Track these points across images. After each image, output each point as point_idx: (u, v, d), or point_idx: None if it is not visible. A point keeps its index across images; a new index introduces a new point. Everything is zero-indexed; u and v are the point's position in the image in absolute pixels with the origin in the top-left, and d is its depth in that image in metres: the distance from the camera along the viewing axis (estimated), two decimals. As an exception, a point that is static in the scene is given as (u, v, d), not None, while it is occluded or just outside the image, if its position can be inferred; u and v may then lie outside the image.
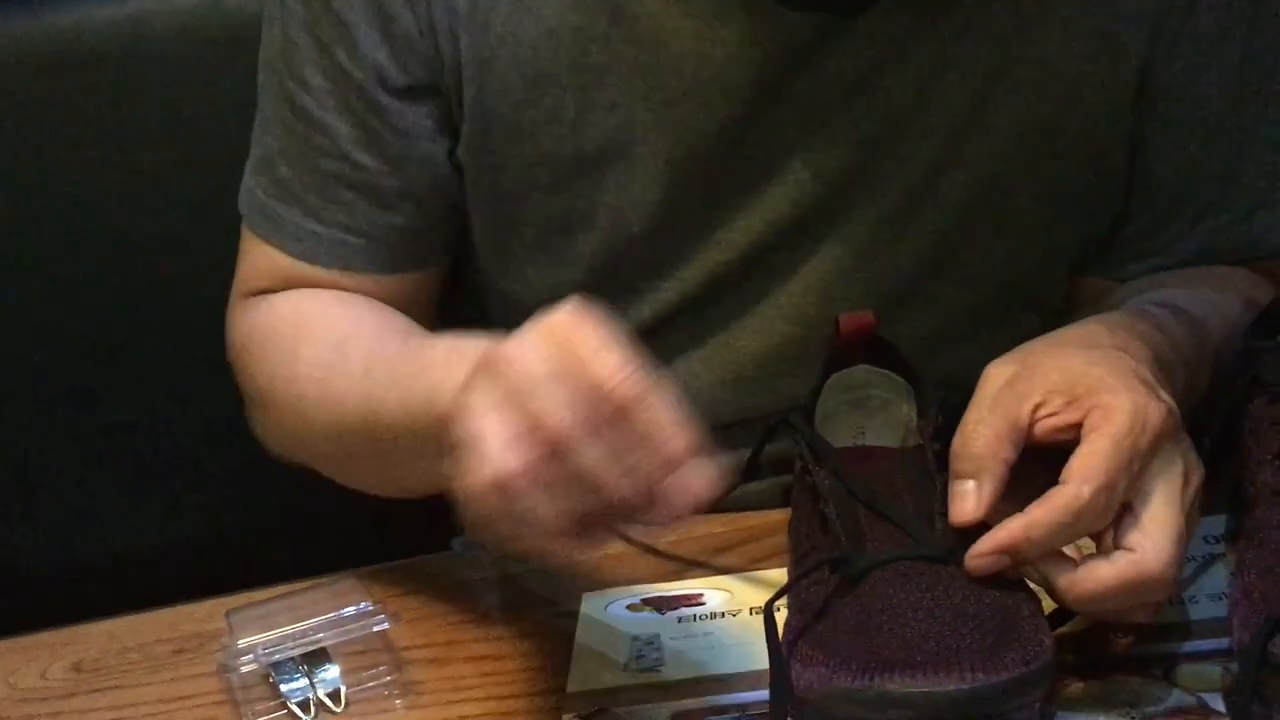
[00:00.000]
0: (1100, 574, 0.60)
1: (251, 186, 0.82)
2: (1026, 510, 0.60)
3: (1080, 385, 0.62)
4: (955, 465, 0.62)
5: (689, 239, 0.78)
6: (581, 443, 0.55)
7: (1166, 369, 0.66)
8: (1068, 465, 0.60)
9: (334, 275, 0.80)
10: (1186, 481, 0.62)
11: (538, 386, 0.55)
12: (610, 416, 0.55)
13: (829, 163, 0.76)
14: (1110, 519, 0.60)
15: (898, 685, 0.55)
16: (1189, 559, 0.67)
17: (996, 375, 0.64)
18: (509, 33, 0.75)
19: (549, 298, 0.60)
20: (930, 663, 0.55)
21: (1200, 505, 0.63)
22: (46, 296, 0.98)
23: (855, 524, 0.62)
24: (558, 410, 0.55)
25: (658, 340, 0.76)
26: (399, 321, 0.79)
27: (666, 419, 0.55)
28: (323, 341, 0.77)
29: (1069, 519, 0.59)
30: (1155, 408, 0.62)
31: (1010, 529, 0.60)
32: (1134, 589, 0.59)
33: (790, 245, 0.78)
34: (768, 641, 0.59)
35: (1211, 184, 0.79)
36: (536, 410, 0.55)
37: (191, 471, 1.00)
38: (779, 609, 0.61)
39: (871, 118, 0.75)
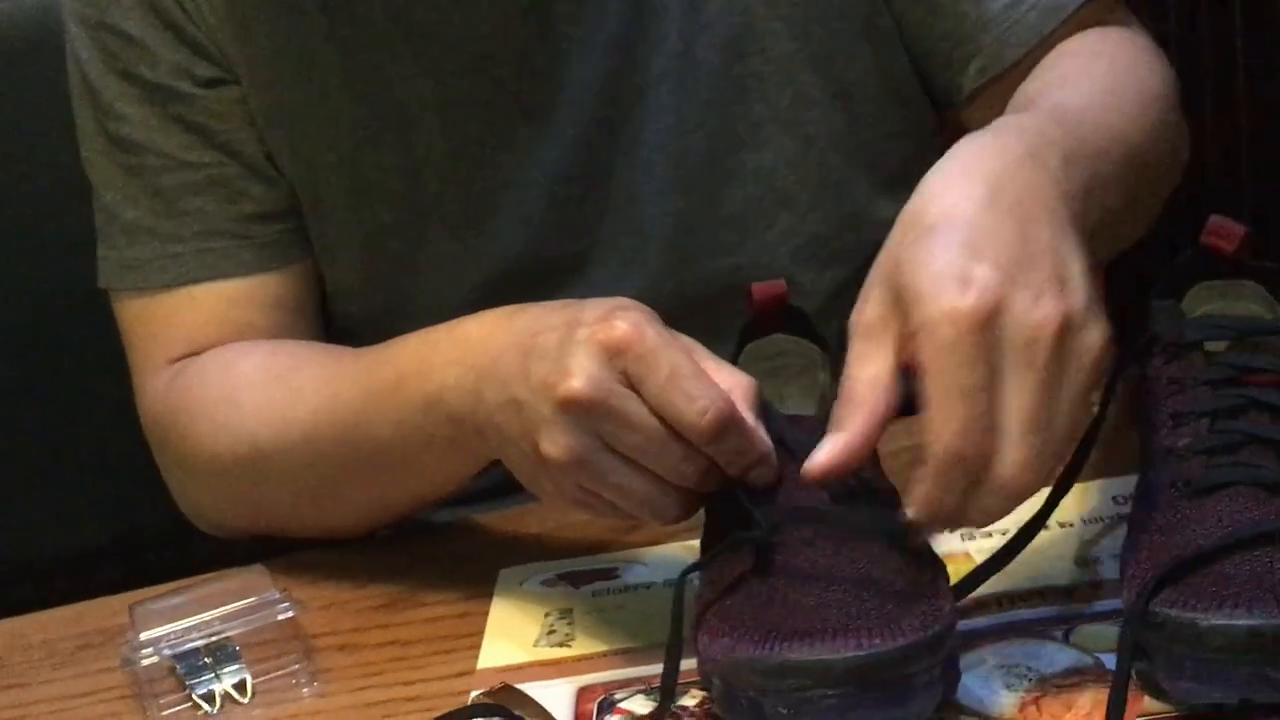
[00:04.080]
0: (912, 481, 0.55)
1: (104, 256, 0.82)
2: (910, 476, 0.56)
3: (906, 297, 0.55)
4: (836, 411, 0.57)
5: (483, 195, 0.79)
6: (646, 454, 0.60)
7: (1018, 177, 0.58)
8: (922, 407, 0.55)
9: (208, 292, 0.80)
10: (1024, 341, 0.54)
11: (615, 407, 0.59)
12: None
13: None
14: (986, 446, 0.54)
15: (796, 654, 0.54)
16: (1096, 520, 0.68)
17: (857, 317, 0.58)
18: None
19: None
20: (828, 631, 0.55)
21: (1100, 374, 0.55)
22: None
23: (768, 500, 0.61)
24: (630, 436, 0.60)
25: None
26: (322, 346, 0.80)
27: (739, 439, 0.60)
28: (263, 384, 0.77)
29: (946, 472, 0.54)
30: (967, 298, 0.54)
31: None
32: (939, 477, 0.54)
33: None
34: (672, 614, 0.59)
35: None
36: (606, 431, 0.60)
37: (96, 473, 0.98)
38: (690, 581, 0.61)
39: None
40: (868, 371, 0.56)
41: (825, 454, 0.56)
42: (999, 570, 0.62)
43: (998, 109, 0.76)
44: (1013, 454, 0.54)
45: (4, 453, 0.98)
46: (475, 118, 0.78)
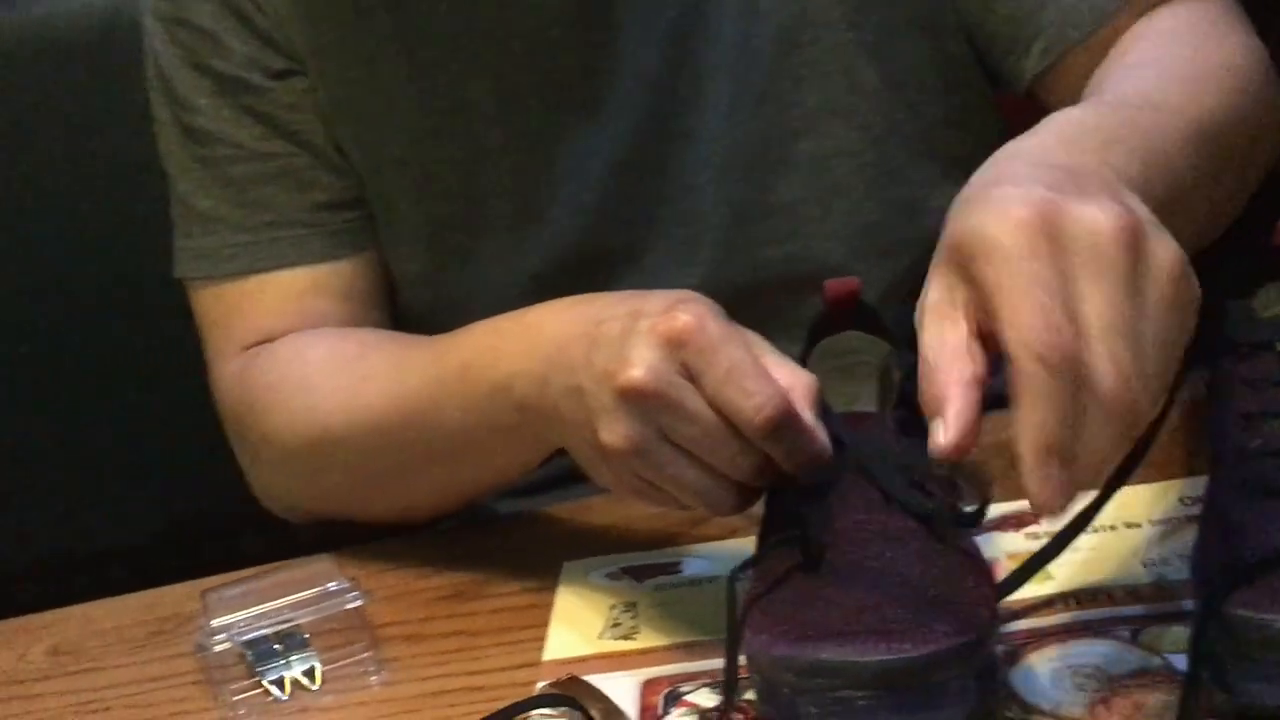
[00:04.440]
0: (1014, 415, 0.50)
1: (179, 247, 0.84)
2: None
3: (966, 250, 0.52)
4: (923, 390, 0.53)
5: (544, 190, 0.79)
6: (705, 445, 0.60)
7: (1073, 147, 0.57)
8: (999, 328, 0.50)
9: (279, 280, 0.81)
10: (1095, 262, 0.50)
11: (674, 398, 0.60)
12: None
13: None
14: (1071, 344, 0.49)
15: (827, 654, 0.55)
16: (1164, 521, 0.67)
17: (923, 302, 0.55)
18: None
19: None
20: (861, 632, 0.55)
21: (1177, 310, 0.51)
22: (12, 292, 0.98)
23: (823, 499, 0.61)
24: (688, 427, 0.60)
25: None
26: (390, 334, 0.81)
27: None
28: (333, 370, 0.78)
29: (1041, 375, 0.49)
30: (1022, 207, 0.51)
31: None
32: (1034, 385, 0.49)
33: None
34: (726, 610, 0.59)
35: None
36: (665, 421, 0.60)
37: (168, 462, 1.00)
38: (743, 579, 0.61)
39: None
40: (946, 342, 0.52)
41: (942, 440, 0.52)
42: (1036, 572, 0.61)
43: (1064, 92, 0.75)
44: (1103, 360, 0.49)
45: (65, 443, 1.00)
46: (533, 110, 0.79)
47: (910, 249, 0.82)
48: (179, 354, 0.87)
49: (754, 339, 0.62)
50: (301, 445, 0.78)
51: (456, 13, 0.78)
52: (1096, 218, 0.51)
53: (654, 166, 0.79)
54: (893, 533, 0.60)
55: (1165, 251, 0.52)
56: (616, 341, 0.61)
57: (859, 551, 0.59)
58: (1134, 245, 0.51)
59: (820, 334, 0.69)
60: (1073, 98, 0.73)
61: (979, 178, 0.57)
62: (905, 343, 0.68)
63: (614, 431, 0.61)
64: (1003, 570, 0.63)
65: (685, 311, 0.60)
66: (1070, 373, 0.49)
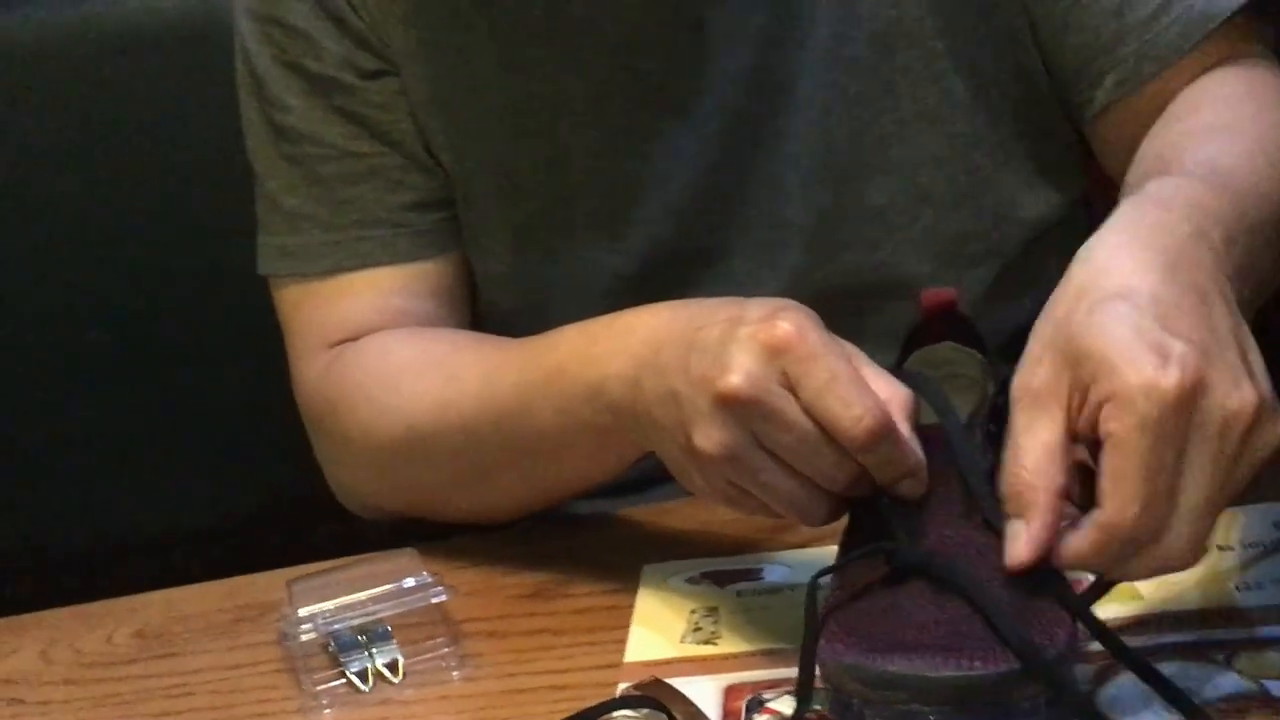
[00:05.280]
0: (1073, 543, 0.55)
1: (264, 243, 0.85)
2: (1069, 534, 0.56)
3: (1089, 366, 0.55)
4: (1005, 501, 0.57)
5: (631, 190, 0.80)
6: (798, 454, 0.60)
7: (1193, 268, 0.58)
8: (1099, 478, 0.55)
9: (365, 279, 0.82)
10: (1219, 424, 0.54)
11: (772, 406, 0.60)
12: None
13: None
14: (1162, 523, 0.54)
15: (897, 667, 0.54)
16: (1256, 544, 0.66)
17: (1026, 383, 0.57)
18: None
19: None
20: (934, 648, 0.55)
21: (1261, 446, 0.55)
22: (106, 278, 1.00)
23: (907, 510, 0.61)
24: (784, 435, 0.60)
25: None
26: (478, 334, 0.81)
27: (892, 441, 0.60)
28: (421, 369, 0.78)
29: (1117, 545, 0.55)
30: (1170, 375, 0.53)
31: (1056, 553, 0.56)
32: (1106, 548, 0.55)
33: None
34: (805, 617, 0.59)
35: None
36: (761, 428, 0.60)
37: (252, 448, 1.01)
38: (823, 586, 0.61)
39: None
40: (1040, 440, 0.55)
41: (1024, 546, 0.56)
42: (1107, 590, 0.60)
43: (1127, 127, 0.76)
44: (1183, 533, 0.54)
45: (143, 429, 1.01)
46: (621, 110, 0.79)
47: (996, 258, 0.81)
48: (259, 344, 0.87)
49: (852, 350, 0.62)
50: (387, 443, 0.78)
51: (549, 13, 0.79)
52: (1233, 403, 0.54)
53: (742, 168, 0.79)
54: (976, 547, 0.60)
55: (1273, 432, 0.55)
56: (715, 347, 0.61)
57: (942, 566, 0.59)
58: (1252, 429, 0.55)
59: (914, 344, 0.68)
60: (1132, 137, 0.75)
61: (1102, 258, 0.58)
62: (998, 353, 0.68)
63: (709, 437, 0.61)
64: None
65: (786, 320, 0.60)
66: (1145, 542, 0.54)
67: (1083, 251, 0.59)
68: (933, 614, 0.57)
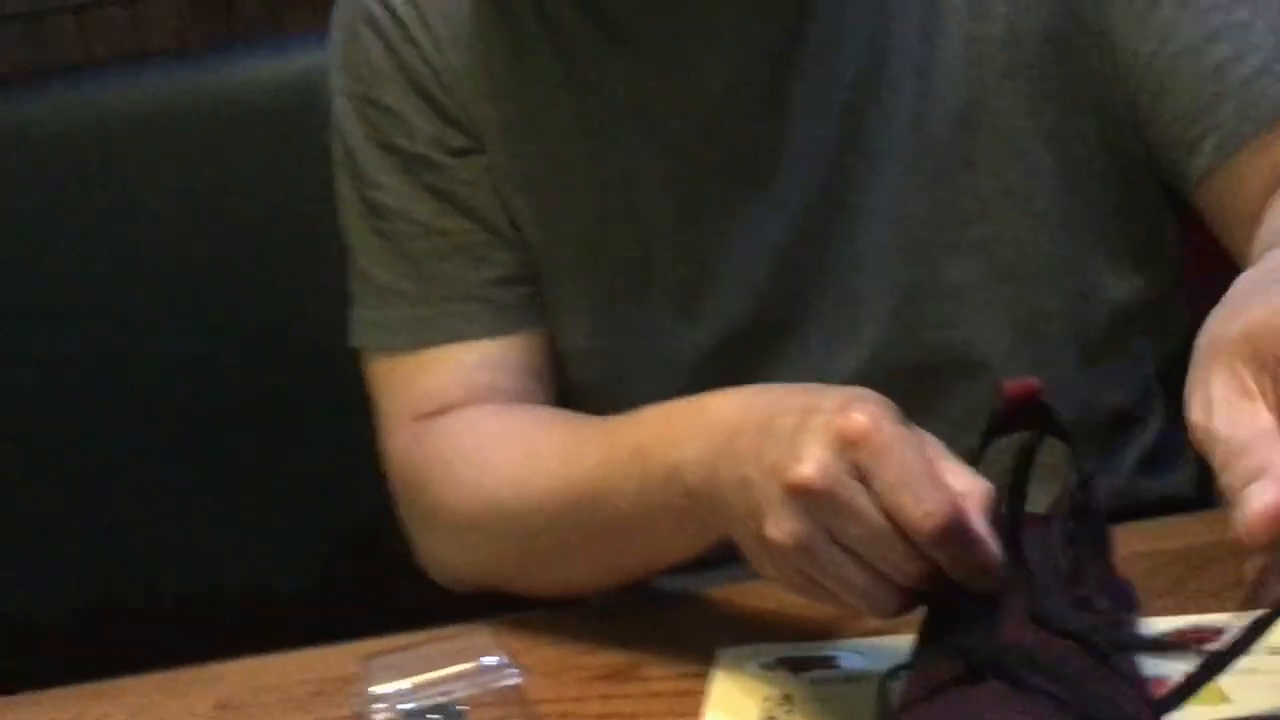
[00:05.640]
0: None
1: (356, 317, 0.86)
2: None
3: (1266, 341, 0.52)
4: (1229, 473, 0.52)
5: (711, 259, 0.80)
6: (870, 548, 0.60)
7: None
8: None
9: (452, 353, 0.83)
10: None
11: (843, 499, 0.59)
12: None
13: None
14: None
15: None
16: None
17: (1214, 387, 0.54)
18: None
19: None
20: None
21: None
22: (199, 336, 1.02)
23: (987, 607, 0.60)
24: (856, 529, 0.60)
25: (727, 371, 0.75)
26: (563, 411, 0.82)
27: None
28: (508, 443, 0.79)
29: None
30: None
31: None
32: None
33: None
34: (876, 713, 0.58)
35: (1221, 43, 0.73)
36: (832, 521, 0.60)
37: (329, 513, 1.02)
38: (898, 680, 0.60)
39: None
40: (1250, 427, 0.51)
41: (1261, 499, 0.49)
42: (1195, 691, 0.58)
43: (1232, 194, 0.74)
44: None
45: (236, 487, 1.03)
46: (701, 185, 0.79)
47: (1076, 339, 0.80)
48: (354, 409, 0.88)
49: (929, 441, 0.61)
50: (470, 517, 0.79)
51: (631, 90, 0.80)
52: None
53: (822, 244, 0.79)
54: (1054, 649, 0.58)
55: None
56: (788, 436, 0.61)
57: (1017, 667, 0.58)
58: None
59: (996, 433, 0.68)
60: (1239, 204, 0.73)
61: (1248, 286, 0.57)
62: (1081, 436, 0.67)
63: (780, 527, 0.61)
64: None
65: (860, 411, 0.60)
66: None
67: (1221, 302, 0.57)
68: (1006, 714, 0.56)
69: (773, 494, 0.61)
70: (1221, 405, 0.53)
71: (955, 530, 0.59)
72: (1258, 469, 0.51)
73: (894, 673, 0.60)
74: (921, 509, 0.58)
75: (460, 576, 0.83)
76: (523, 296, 0.84)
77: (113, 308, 1.03)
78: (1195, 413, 0.54)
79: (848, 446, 0.60)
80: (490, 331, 0.83)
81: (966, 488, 0.60)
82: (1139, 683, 0.59)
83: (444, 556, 0.83)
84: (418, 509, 0.83)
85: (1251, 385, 0.53)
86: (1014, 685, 0.57)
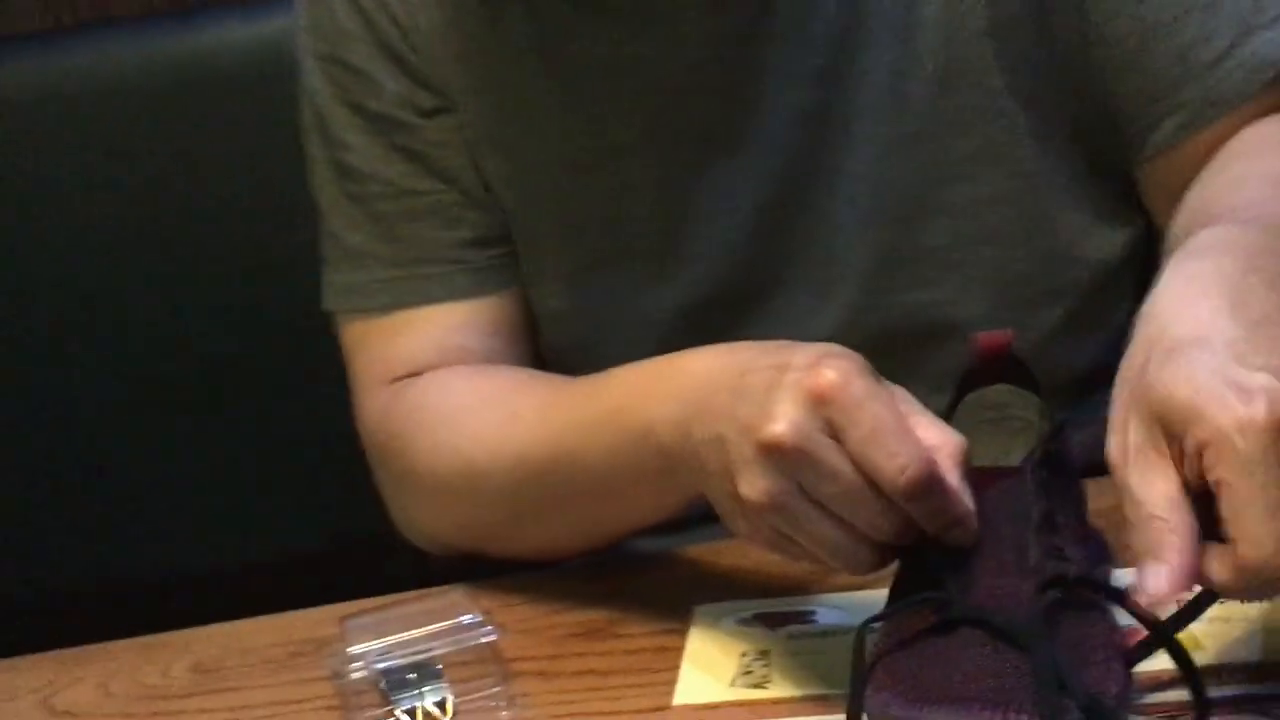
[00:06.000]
0: (1216, 580, 0.54)
1: (328, 280, 0.85)
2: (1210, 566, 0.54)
3: (1176, 417, 0.55)
4: (1133, 542, 0.56)
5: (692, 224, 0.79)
6: (844, 504, 0.60)
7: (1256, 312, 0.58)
8: (1224, 523, 0.54)
9: (425, 316, 0.82)
10: None
11: (816, 455, 0.60)
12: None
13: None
14: None
15: (940, 717, 0.54)
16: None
17: (1122, 444, 0.56)
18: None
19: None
20: (978, 699, 0.54)
21: None
22: (180, 313, 1.01)
23: (960, 558, 0.61)
24: (829, 485, 0.60)
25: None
26: (537, 373, 0.82)
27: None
28: (480, 406, 0.79)
29: (1259, 581, 0.54)
30: (1257, 408, 0.53)
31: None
32: (1248, 584, 0.54)
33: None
34: (852, 664, 0.59)
35: (1189, 23, 0.74)
36: (805, 477, 0.60)
37: (322, 482, 1.02)
38: (873, 632, 0.61)
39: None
40: (1159, 491, 0.54)
41: (1156, 584, 0.54)
42: (1163, 643, 0.59)
43: (1179, 172, 0.75)
44: None
45: (212, 460, 1.02)
46: (679, 147, 0.79)
47: (1058, 299, 0.80)
48: (330, 379, 0.88)
49: (902, 396, 0.61)
50: (445, 480, 0.79)
51: (607, 51, 0.79)
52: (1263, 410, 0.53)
53: (798, 207, 0.79)
54: (1026, 599, 0.59)
55: None
56: (761, 394, 0.61)
57: (994, 616, 0.58)
58: None
59: (968, 386, 0.68)
60: (1183, 182, 0.74)
61: (1168, 310, 0.58)
62: (1061, 395, 0.68)
63: (753, 485, 0.61)
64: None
65: (831, 367, 0.60)
66: None
67: (1144, 309, 0.59)
68: (984, 665, 0.56)
69: (746, 452, 0.61)
70: (1137, 456, 0.55)
71: (929, 484, 0.59)
72: (1162, 546, 0.54)
73: (869, 624, 0.61)
74: (895, 463, 0.59)
75: (437, 539, 0.83)
76: (495, 258, 0.84)
77: (82, 282, 1.02)
78: (1114, 452, 0.56)
79: (819, 403, 0.60)
80: (463, 294, 0.83)
81: (939, 441, 0.61)
82: (1111, 631, 0.59)
83: (421, 519, 0.83)
84: (393, 472, 0.83)
85: (1163, 447, 0.55)
86: (985, 634, 0.57)
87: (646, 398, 0.69)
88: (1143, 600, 0.55)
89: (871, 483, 0.59)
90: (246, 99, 1.01)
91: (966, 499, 0.60)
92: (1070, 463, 0.66)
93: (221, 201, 1.03)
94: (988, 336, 0.66)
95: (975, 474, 0.66)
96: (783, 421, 0.60)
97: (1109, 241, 0.80)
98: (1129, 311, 0.83)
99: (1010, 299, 0.80)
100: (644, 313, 0.82)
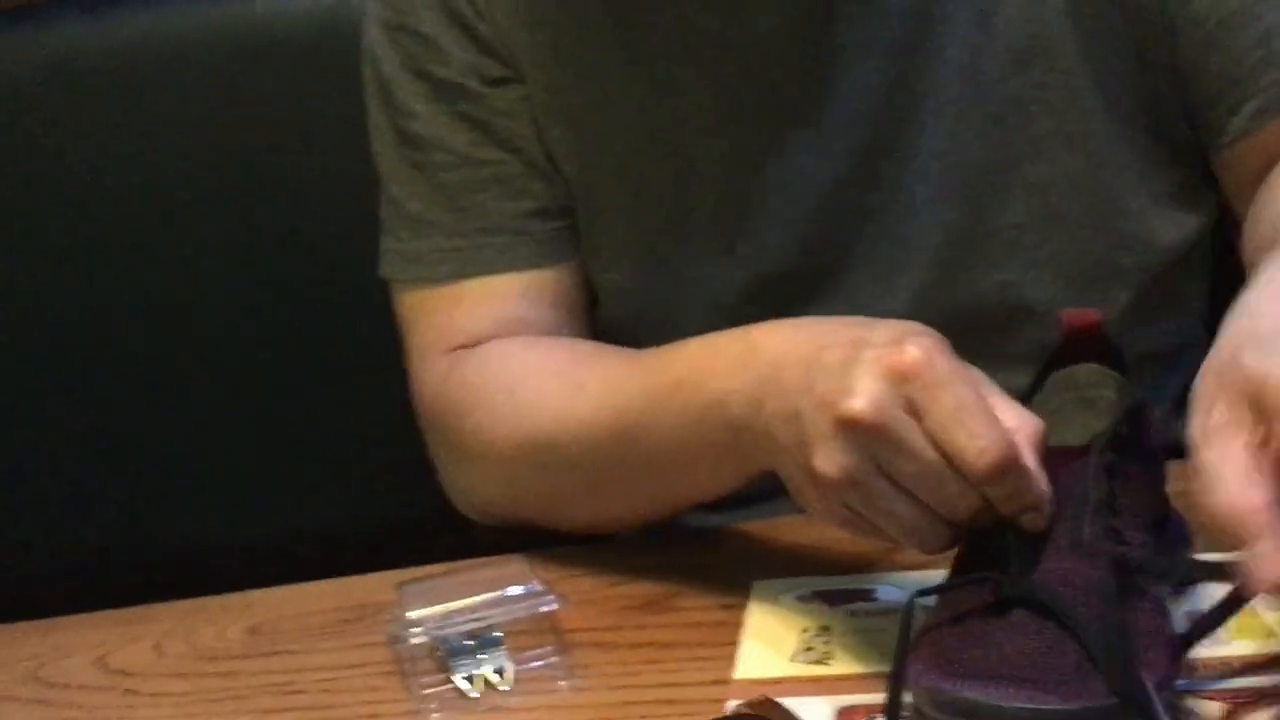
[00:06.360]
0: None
1: (387, 247, 0.85)
2: None
3: (1270, 399, 0.55)
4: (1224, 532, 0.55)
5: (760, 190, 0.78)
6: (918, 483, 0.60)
7: None
8: None
9: (486, 285, 0.82)
10: None
11: (894, 433, 0.59)
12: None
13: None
14: None
15: (971, 693, 0.54)
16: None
17: (1203, 424, 0.56)
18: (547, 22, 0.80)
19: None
20: (1014, 678, 0.54)
21: None
22: (238, 281, 1.01)
23: (1021, 539, 0.60)
24: (905, 463, 0.59)
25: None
26: (600, 344, 0.81)
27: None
28: (542, 377, 0.78)
29: None
30: None
31: None
32: None
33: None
34: (900, 634, 0.58)
35: (1272, 6, 0.73)
36: (881, 454, 0.59)
37: (374, 457, 1.01)
38: (926, 606, 0.60)
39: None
40: (1236, 469, 0.54)
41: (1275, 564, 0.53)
42: (1217, 626, 0.59)
43: (1257, 159, 0.74)
44: None
45: (266, 432, 1.02)
46: (750, 123, 0.78)
47: (1126, 282, 0.79)
48: (387, 352, 0.87)
49: (980, 378, 0.61)
50: (505, 450, 0.78)
51: (679, 24, 0.78)
52: None
53: (869, 184, 0.78)
54: (1080, 582, 0.58)
55: None
56: (839, 369, 0.61)
57: (1037, 595, 0.57)
58: None
59: (1054, 365, 0.67)
60: (1260, 170, 0.73)
61: (1257, 307, 0.58)
62: (1130, 376, 0.67)
63: (830, 460, 0.60)
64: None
65: (914, 345, 0.59)
66: None
67: (1237, 304, 0.59)
68: (1024, 645, 0.55)
69: (823, 427, 0.61)
70: (1219, 435, 0.55)
71: (1006, 466, 0.58)
72: (1244, 526, 0.53)
73: (922, 594, 0.60)
74: (975, 445, 0.58)
75: (491, 510, 0.83)
76: (558, 230, 0.83)
77: (136, 248, 1.02)
78: (1195, 433, 0.56)
79: (901, 380, 0.59)
80: (525, 265, 0.82)
81: (1017, 424, 0.60)
82: (1159, 618, 0.58)
83: (477, 489, 0.82)
84: (449, 443, 0.82)
85: (1249, 425, 0.54)
86: (1034, 615, 0.57)
87: (716, 370, 0.68)
88: (1263, 585, 0.53)
89: (949, 463, 0.58)
90: (306, 64, 1.00)
91: (1043, 483, 0.60)
92: (1147, 443, 0.65)
93: (278, 169, 1.02)
94: (1075, 314, 0.66)
95: (1047, 454, 0.65)
96: (863, 397, 0.59)
97: (1179, 226, 0.79)
98: (1198, 295, 0.83)
99: (1080, 281, 0.79)
100: (708, 289, 0.81)
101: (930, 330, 0.61)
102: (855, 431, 0.59)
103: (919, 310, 0.77)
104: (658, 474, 0.73)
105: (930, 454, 0.59)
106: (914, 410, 0.59)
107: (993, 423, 0.58)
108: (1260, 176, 0.75)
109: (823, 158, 0.78)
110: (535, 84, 0.82)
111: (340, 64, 0.95)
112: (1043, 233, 0.78)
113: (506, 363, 0.80)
